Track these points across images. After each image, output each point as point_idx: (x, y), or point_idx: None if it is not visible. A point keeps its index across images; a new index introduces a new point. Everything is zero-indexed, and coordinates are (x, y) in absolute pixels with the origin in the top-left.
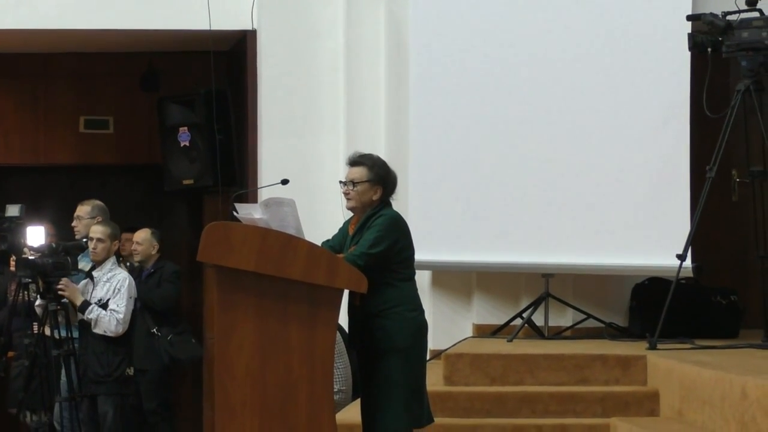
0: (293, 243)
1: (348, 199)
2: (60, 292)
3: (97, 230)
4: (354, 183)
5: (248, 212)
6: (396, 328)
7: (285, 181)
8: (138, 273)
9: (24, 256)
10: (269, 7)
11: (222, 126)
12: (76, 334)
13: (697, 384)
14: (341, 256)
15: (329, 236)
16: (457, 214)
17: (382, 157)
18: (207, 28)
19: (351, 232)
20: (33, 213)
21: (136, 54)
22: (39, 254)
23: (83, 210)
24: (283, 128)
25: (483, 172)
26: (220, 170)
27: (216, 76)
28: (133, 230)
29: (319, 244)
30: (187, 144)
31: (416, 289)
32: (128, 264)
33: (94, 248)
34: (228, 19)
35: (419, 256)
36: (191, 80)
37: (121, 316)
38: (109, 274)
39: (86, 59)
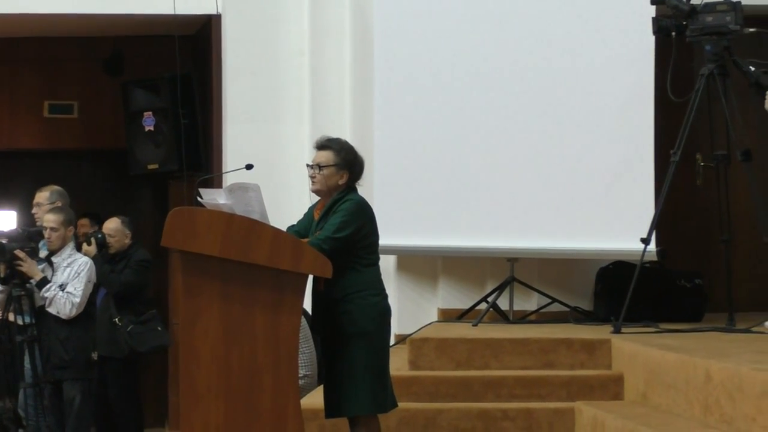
0: (258, 228)
1: (313, 183)
2: (18, 267)
3: (50, 219)
4: (320, 166)
5: (213, 197)
6: (360, 313)
7: (249, 166)
8: (110, 258)
9: None
10: None
11: (187, 110)
12: None
13: (661, 367)
14: (306, 240)
15: (294, 221)
16: (422, 198)
17: (347, 141)
18: (171, 12)
19: (317, 217)
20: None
21: (101, 38)
22: (7, 239)
23: (42, 196)
24: (248, 113)
25: (448, 156)
26: (184, 155)
27: (181, 60)
28: (90, 217)
29: (285, 229)
30: (152, 128)
31: (380, 274)
32: (102, 252)
33: (48, 237)
34: (192, 3)
35: (384, 240)
36: (156, 65)
37: (77, 299)
38: (69, 260)
39: (50, 44)
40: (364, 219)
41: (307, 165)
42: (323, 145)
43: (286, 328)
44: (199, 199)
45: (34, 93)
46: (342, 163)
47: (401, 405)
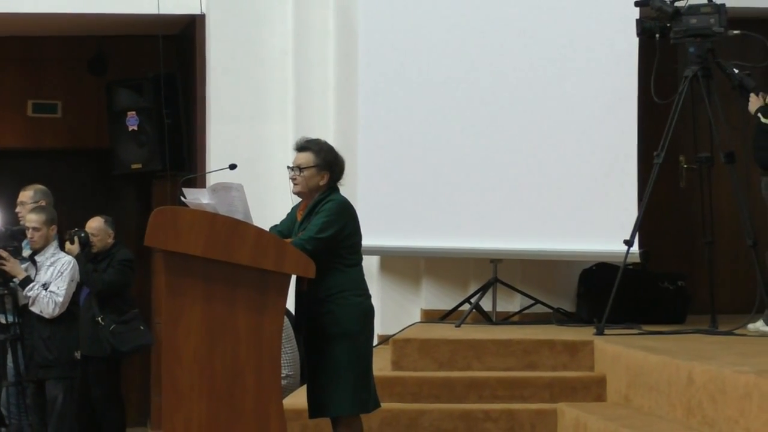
0: (241, 228)
1: (295, 185)
2: (0, 266)
3: (32, 219)
4: (301, 168)
5: (196, 197)
6: (343, 313)
7: (233, 166)
8: (92, 258)
9: None
10: None
11: (170, 110)
12: None
13: (643, 369)
14: (289, 240)
15: (278, 221)
16: (405, 199)
17: (331, 142)
18: (156, 11)
19: (299, 217)
20: None
21: (85, 38)
22: None
23: (26, 195)
24: (232, 113)
25: (432, 157)
26: (168, 154)
27: (164, 60)
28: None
29: (268, 230)
30: (136, 128)
31: (363, 275)
32: (85, 251)
33: (31, 237)
34: (176, 3)
35: (368, 241)
36: (140, 64)
37: (60, 299)
38: (53, 258)
39: (34, 43)
40: (346, 219)
41: (288, 167)
42: (303, 146)
43: (269, 328)
44: (182, 198)
45: (17, 92)
46: (322, 164)
47: (384, 405)
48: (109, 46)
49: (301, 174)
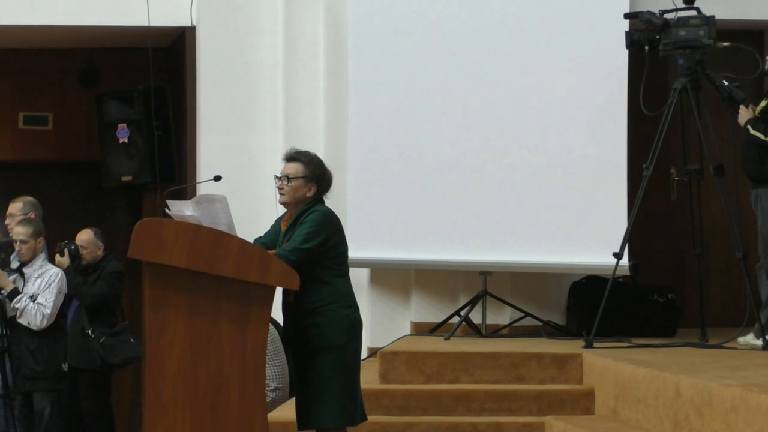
0: (224, 240)
1: (281, 194)
2: None
3: (20, 231)
4: (289, 178)
5: (180, 209)
6: (330, 326)
7: (218, 178)
8: (82, 270)
9: None
10: (208, 4)
11: (161, 122)
12: None
13: (631, 382)
14: (273, 252)
15: None
16: (395, 211)
17: (321, 154)
18: (146, 24)
19: (283, 228)
20: None
21: (75, 50)
22: None
23: (15, 207)
24: (222, 125)
25: (422, 169)
26: (158, 167)
27: (155, 72)
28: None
29: (252, 241)
30: (126, 140)
31: (351, 286)
32: (75, 263)
33: (19, 249)
34: (167, 16)
35: (358, 253)
36: (130, 77)
37: (48, 311)
38: (40, 270)
39: (25, 55)
40: (331, 229)
41: (275, 176)
42: (292, 157)
43: (253, 340)
44: (166, 210)
45: (8, 104)
46: (311, 176)
47: (371, 418)
48: (99, 58)
49: (289, 184)
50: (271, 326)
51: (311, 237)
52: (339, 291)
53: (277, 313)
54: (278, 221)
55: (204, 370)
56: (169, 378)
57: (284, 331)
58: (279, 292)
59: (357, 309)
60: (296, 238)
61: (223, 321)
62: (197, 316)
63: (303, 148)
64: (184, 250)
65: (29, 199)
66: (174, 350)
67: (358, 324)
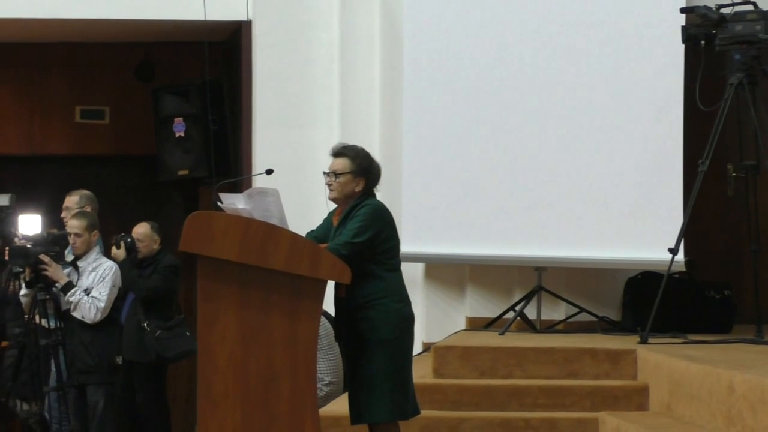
0: (276, 233)
1: (330, 190)
2: (42, 271)
3: (74, 225)
4: (336, 174)
5: (232, 202)
6: (381, 320)
7: (269, 171)
8: (138, 263)
9: (15, 245)
10: None
11: (216, 116)
12: None
13: (685, 378)
14: (324, 246)
15: None
16: (450, 206)
17: (376, 148)
18: (202, 18)
19: (335, 223)
20: (27, 202)
21: (132, 44)
22: (31, 243)
23: (72, 201)
24: (278, 119)
25: (477, 164)
26: (214, 161)
27: (211, 66)
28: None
29: (304, 235)
30: (182, 134)
31: (402, 281)
32: (131, 256)
33: (73, 242)
34: (223, 10)
35: (413, 248)
36: (186, 71)
37: (102, 304)
38: (95, 264)
39: (82, 49)
40: (382, 223)
41: (324, 173)
42: (339, 152)
43: (304, 333)
44: (218, 203)
45: (65, 98)
46: (358, 170)
47: (424, 413)
48: (156, 52)
49: (337, 180)
50: (325, 320)
51: (362, 231)
52: (390, 285)
53: (330, 307)
54: (330, 215)
55: (255, 363)
56: (220, 371)
57: (335, 325)
58: (331, 286)
59: (409, 303)
60: (347, 232)
61: (273, 314)
62: (248, 309)
63: (353, 142)
64: (235, 243)
65: (85, 192)
66: (225, 343)
67: (409, 318)
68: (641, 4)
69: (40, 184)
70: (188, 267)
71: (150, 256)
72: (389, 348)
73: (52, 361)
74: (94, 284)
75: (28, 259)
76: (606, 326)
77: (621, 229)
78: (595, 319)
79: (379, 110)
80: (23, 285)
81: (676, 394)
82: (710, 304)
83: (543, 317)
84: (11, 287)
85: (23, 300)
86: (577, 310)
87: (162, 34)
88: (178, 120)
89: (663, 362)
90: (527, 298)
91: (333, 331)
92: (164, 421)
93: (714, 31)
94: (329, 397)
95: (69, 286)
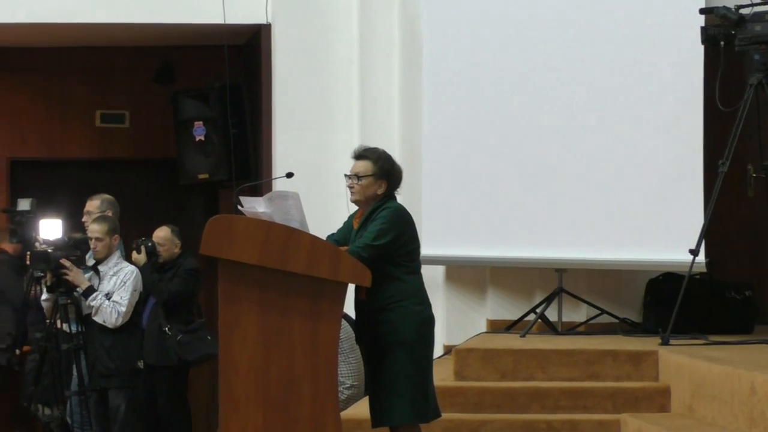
0: (296, 236)
1: (352, 193)
2: (64, 276)
3: (94, 229)
4: (358, 176)
5: (252, 206)
6: (401, 322)
7: (290, 175)
8: (159, 267)
9: (36, 249)
10: (283, 1)
11: (236, 120)
12: None
13: (707, 379)
14: (345, 248)
15: None
16: (470, 208)
17: (396, 151)
18: (221, 21)
19: (356, 225)
20: (48, 207)
21: (151, 48)
22: (52, 247)
23: (93, 205)
24: (297, 122)
25: (497, 166)
26: (234, 164)
27: (230, 70)
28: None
29: (324, 238)
30: (202, 138)
31: (422, 283)
32: (152, 260)
33: (94, 247)
34: (242, 13)
35: (433, 250)
36: (206, 74)
37: (123, 309)
38: (116, 268)
39: (101, 53)
40: (403, 226)
41: (345, 175)
42: (360, 154)
43: (324, 336)
44: (239, 207)
45: (85, 102)
46: (380, 172)
47: (445, 415)
48: (175, 56)
49: (359, 182)
50: (346, 323)
51: (383, 234)
52: (410, 288)
53: (351, 309)
54: (351, 218)
55: (276, 366)
56: (242, 373)
57: (356, 328)
58: (351, 288)
59: (429, 306)
60: (368, 235)
61: (294, 317)
62: (269, 312)
63: (373, 145)
64: (256, 246)
65: (107, 196)
66: (246, 346)
67: (429, 321)
68: (661, 5)
69: (60, 189)
70: (209, 270)
71: (171, 260)
72: (410, 350)
73: (74, 366)
74: (115, 288)
75: (49, 263)
76: (627, 328)
77: (641, 231)
78: (616, 320)
79: (398, 113)
80: (44, 289)
81: (698, 396)
82: (731, 305)
83: (564, 319)
84: (32, 292)
85: (44, 304)
86: (598, 311)
87: (182, 38)
88: (198, 124)
89: (684, 363)
90: (548, 300)
91: (354, 335)
92: (186, 424)
93: (733, 32)
94: (350, 401)
95: (90, 290)
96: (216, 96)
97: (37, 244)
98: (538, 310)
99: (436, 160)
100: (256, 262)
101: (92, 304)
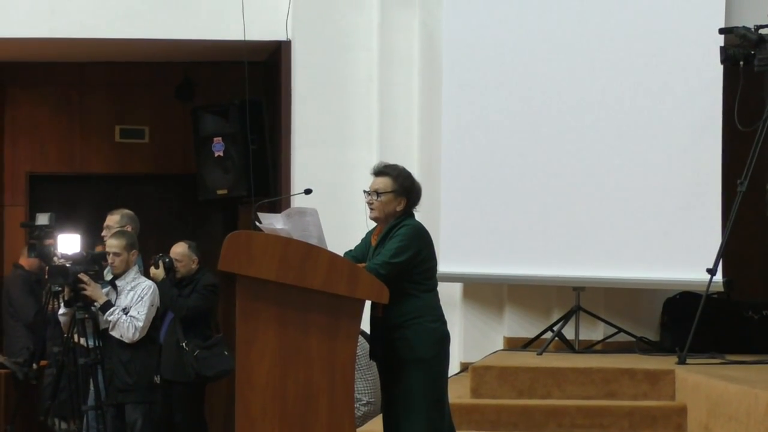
0: (314, 252)
1: (371, 209)
2: (81, 290)
3: (113, 244)
4: (378, 193)
5: (270, 222)
6: (417, 339)
7: (308, 191)
8: (177, 283)
9: (55, 264)
10: (304, 18)
11: (256, 136)
12: None
13: (723, 399)
14: (363, 265)
15: None
16: (488, 226)
17: (415, 168)
18: (242, 38)
19: (374, 242)
20: (67, 221)
21: (172, 64)
22: (71, 262)
23: (113, 219)
24: (317, 138)
25: (515, 184)
26: (253, 180)
27: (250, 86)
28: None
29: (342, 254)
30: (221, 154)
31: (438, 300)
32: (170, 276)
33: (111, 262)
34: (262, 30)
35: (451, 268)
36: (226, 90)
37: (140, 324)
38: (133, 283)
39: (122, 69)
40: (421, 244)
41: (365, 191)
42: (381, 171)
43: (341, 353)
44: (257, 223)
45: (105, 117)
46: (399, 190)
47: None
48: (195, 72)
49: (378, 199)
50: (363, 340)
51: (401, 251)
52: (426, 305)
53: (367, 326)
54: (369, 235)
55: (293, 382)
56: (259, 390)
57: (371, 345)
58: (367, 305)
59: (445, 323)
60: (386, 252)
61: (312, 333)
62: (287, 329)
63: (392, 162)
64: (274, 262)
65: (127, 212)
66: (263, 362)
67: (445, 338)
68: (681, 25)
69: (79, 203)
70: (227, 286)
71: (189, 276)
72: (425, 367)
73: (91, 380)
74: (132, 303)
75: (67, 278)
76: (644, 346)
77: (659, 249)
78: (634, 339)
79: (417, 130)
80: (62, 304)
81: (715, 415)
82: (749, 324)
83: (581, 337)
84: (50, 306)
85: (62, 319)
86: (616, 330)
87: (201, 54)
88: (218, 139)
89: (701, 383)
90: (565, 318)
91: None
92: None
93: (753, 52)
94: (367, 417)
95: (108, 305)
96: (236, 112)
97: (55, 258)
98: (555, 328)
99: (454, 177)
100: (274, 279)
101: (109, 318)
